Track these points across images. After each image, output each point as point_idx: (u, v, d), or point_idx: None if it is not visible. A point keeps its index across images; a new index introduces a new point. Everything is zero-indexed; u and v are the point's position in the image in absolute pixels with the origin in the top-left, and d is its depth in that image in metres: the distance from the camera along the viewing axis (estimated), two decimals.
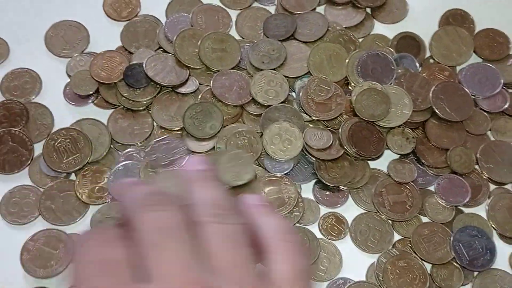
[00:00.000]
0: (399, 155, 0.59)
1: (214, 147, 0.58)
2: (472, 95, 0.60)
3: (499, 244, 0.56)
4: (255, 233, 0.40)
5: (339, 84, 0.61)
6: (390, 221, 0.56)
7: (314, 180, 0.58)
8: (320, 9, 0.67)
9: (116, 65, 0.61)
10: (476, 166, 0.58)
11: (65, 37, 0.64)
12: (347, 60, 0.62)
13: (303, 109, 0.60)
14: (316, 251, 0.55)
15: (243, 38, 0.65)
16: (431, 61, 0.63)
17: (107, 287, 0.35)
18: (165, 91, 0.61)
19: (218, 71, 0.61)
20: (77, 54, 0.63)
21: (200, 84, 0.62)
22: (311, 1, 0.66)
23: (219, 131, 0.59)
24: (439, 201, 0.56)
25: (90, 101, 0.61)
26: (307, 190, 0.58)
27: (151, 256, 0.36)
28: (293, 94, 0.61)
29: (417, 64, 0.62)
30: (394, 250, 0.55)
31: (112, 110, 0.61)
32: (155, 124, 0.60)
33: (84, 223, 0.56)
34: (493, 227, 0.56)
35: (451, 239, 0.54)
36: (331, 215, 0.57)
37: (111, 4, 0.66)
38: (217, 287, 0.35)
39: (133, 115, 0.60)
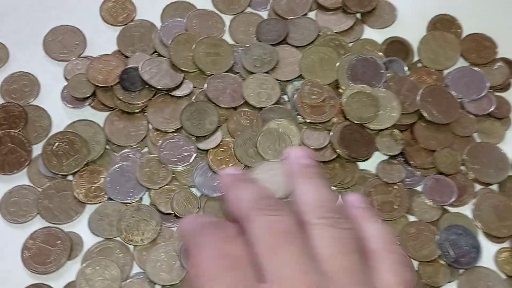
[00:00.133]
0: (387, 156, 0.60)
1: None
2: (458, 98, 0.62)
3: (485, 243, 0.57)
4: (360, 238, 0.41)
5: (330, 87, 0.62)
6: None
7: None
8: (312, 15, 0.68)
9: (112, 69, 0.63)
10: (462, 167, 0.59)
11: (62, 42, 0.66)
12: (337, 64, 0.63)
13: (297, 112, 0.60)
14: None
15: (237, 43, 0.66)
16: (419, 65, 0.65)
17: (232, 282, 0.36)
18: (160, 94, 0.62)
19: (212, 74, 0.62)
20: (74, 58, 0.65)
21: (194, 87, 0.63)
22: (303, 6, 0.68)
23: (219, 124, 0.61)
24: (426, 201, 0.57)
25: (87, 103, 0.63)
26: None
27: (268, 259, 0.37)
28: (285, 97, 0.62)
29: (405, 68, 0.64)
30: None
31: (109, 112, 0.62)
32: (150, 126, 0.61)
33: (81, 222, 0.57)
34: (478, 226, 0.57)
35: (437, 237, 0.56)
36: None
37: (108, 9, 0.68)
38: None
39: (128, 118, 0.62)
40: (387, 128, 0.60)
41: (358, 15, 0.68)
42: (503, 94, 0.64)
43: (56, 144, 0.59)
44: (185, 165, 0.59)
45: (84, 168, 0.59)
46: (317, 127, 0.60)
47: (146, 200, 0.58)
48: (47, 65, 0.65)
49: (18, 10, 0.68)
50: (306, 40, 0.65)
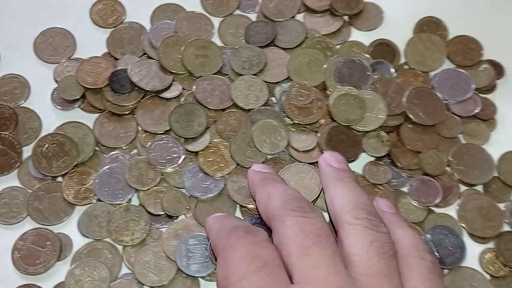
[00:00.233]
0: (374, 158, 0.60)
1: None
2: (444, 99, 0.62)
3: (469, 243, 0.58)
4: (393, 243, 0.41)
5: (317, 89, 0.63)
6: None
7: None
8: (300, 17, 0.68)
9: (102, 71, 0.63)
10: (448, 168, 0.60)
11: (53, 44, 0.66)
12: (325, 66, 0.63)
13: (285, 113, 0.61)
14: None
15: (226, 45, 0.67)
16: (406, 67, 0.66)
17: (263, 282, 0.36)
18: (149, 96, 0.63)
19: (201, 76, 0.63)
20: (64, 60, 0.65)
21: (183, 89, 0.64)
22: (291, 9, 0.68)
23: (207, 126, 0.61)
24: (412, 202, 0.58)
25: (76, 105, 0.63)
26: None
27: (299, 260, 0.37)
28: (273, 98, 0.63)
29: (392, 70, 0.64)
30: None
31: (98, 114, 0.63)
32: (139, 127, 0.62)
33: (71, 223, 0.58)
34: (463, 227, 0.58)
35: (422, 238, 0.56)
36: None
37: (98, 11, 0.68)
38: None
39: (118, 119, 0.62)
40: (373, 130, 0.61)
41: (346, 18, 0.68)
42: (488, 96, 0.64)
43: (46, 145, 0.60)
44: (174, 167, 0.59)
45: (73, 170, 0.60)
46: (305, 128, 0.61)
47: (135, 202, 0.59)
48: (38, 67, 0.66)
49: (8, 13, 0.68)
50: (294, 42, 0.66)
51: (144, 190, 0.59)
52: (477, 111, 0.63)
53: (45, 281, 0.56)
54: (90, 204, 0.59)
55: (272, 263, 0.37)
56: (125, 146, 0.62)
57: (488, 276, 0.57)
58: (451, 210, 0.60)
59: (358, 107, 0.61)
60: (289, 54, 0.65)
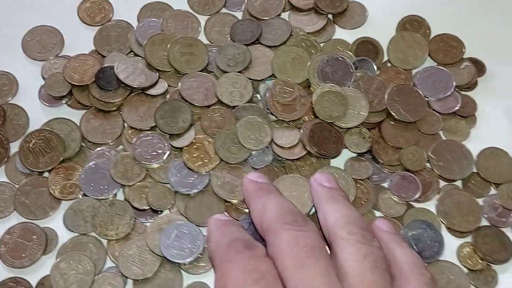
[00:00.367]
0: (356, 154, 0.61)
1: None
2: (425, 97, 0.63)
3: (448, 238, 0.58)
4: (389, 261, 0.41)
5: (301, 86, 0.63)
6: None
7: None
8: (285, 15, 0.69)
9: (89, 68, 0.64)
10: (428, 164, 0.61)
11: (41, 41, 0.67)
12: (308, 64, 0.64)
13: (269, 110, 0.62)
14: None
15: (211, 43, 0.68)
16: (389, 64, 0.67)
17: None
18: (135, 92, 0.64)
19: (186, 73, 0.64)
20: (52, 58, 0.66)
21: (169, 86, 0.65)
22: (276, 7, 0.69)
23: (192, 123, 0.62)
24: (392, 197, 0.59)
25: (63, 102, 0.64)
26: None
27: (294, 273, 0.38)
28: (258, 95, 0.64)
29: (375, 68, 0.65)
30: None
31: (85, 111, 0.63)
32: (125, 124, 0.63)
33: (57, 218, 0.59)
34: (442, 221, 0.59)
35: (401, 231, 0.57)
36: None
37: (85, 9, 0.69)
38: None
39: (104, 116, 0.63)
40: (355, 126, 0.62)
41: (330, 16, 0.69)
42: (469, 93, 0.65)
43: (33, 141, 0.61)
44: (159, 162, 0.60)
45: (60, 165, 0.61)
46: (288, 125, 0.62)
47: (120, 197, 0.60)
48: (26, 64, 0.67)
49: None
50: (279, 40, 0.67)
51: (129, 185, 0.60)
52: (458, 108, 0.63)
53: (30, 274, 0.57)
54: (76, 199, 0.59)
55: (269, 276, 0.38)
56: (111, 142, 0.62)
57: (465, 270, 0.57)
58: (431, 205, 0.60)
59: (340, 104, 0.61)
60: (274, 52, 0.66)
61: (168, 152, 0.61)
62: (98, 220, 0.58)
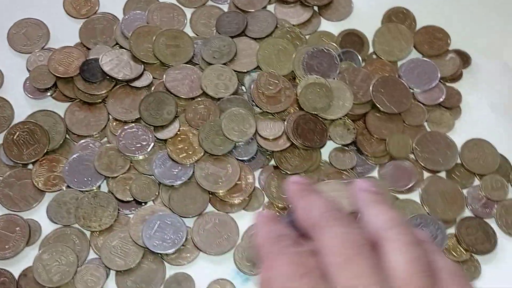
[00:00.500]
0: (341, 145, 0.61)
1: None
2: (410, 88, 0.63)
3: None
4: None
5: (286, 78, 0.63)
6: None
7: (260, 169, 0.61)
8: (271, 8, 0.69)
9: (73, 60, 0.64)
10: (412, 156, 0.61)
11: (26, 34, 0.67)
12: (293, 55, 0.64)
13: (254, 102, 0.62)
14: None
15: (197, 35, 0.68)
16: (374, 56, 0.66)
17: (306, 285, 0.37)
18: (120, 85, 0.64)
19: (172, 66, 0.64)
20: (37, 50, 0.66)
21: (154, 78, 0.65)
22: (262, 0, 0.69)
23: (177, 115, 0.62)
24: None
25: (48, 94, 0.64)
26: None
27: (340, 270, 0.37)
28: (243, 88, 0.64)
29: (360, 59, 0.65)
30: None
31: (69, 103, 0.63)
32: (110, 116, 0.63)
33: (40, 209, 0.59)
34: (426, 210, 0.59)
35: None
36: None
37: (71, 2, 0.69)
38: None
39: (89, 108, 0.63)
40: (340, 118, 0.61)
41: (316, 8, 0.69)
42: (454, 85, 0.65)
43: (17, 133, 0.61)
44: (143, 154, 0.60)
45: (44, 157, 0.60)
46: (273, 117, 0.62)
47: (104, 189, 0.60)
48: (11, 57, 0.67)
49: None
50: (264, 32, 0.67)
51: (113, 177, 0.60)
52: (442, 99, 0.63)
53: (13, 266, 0.57)
54: (60, 191, 0.59)
55: (316, 272, 0.38)
56: (96, 134, 0.62)
57: None
58: (415, 196, 0.60)
59: (325, 96, 0.61)
60: (259, 44, 0.66)
61: (152, 144, 0.61)
62: (82, 211, 0.58)
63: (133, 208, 0.59)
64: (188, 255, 0.57)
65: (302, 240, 0.42)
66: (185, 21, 0.69)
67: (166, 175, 0.59)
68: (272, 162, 0.62)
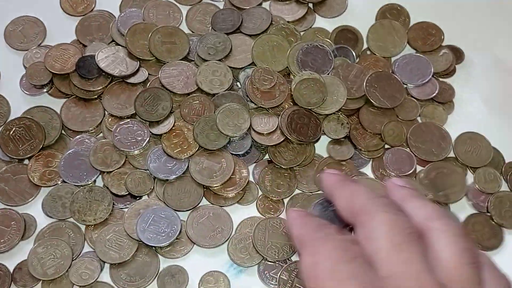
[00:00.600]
0: (334, 140, 0.62)
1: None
2: (403, 83, 0.63)
3: None
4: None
5: (281, 73, 0.64)
6: None
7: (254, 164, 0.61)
8: (266, 5, 0.70)
9: (70, 57, 0.65)
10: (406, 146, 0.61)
11: (23, 32, 0.68)
12: (288, 51, 0.65)
13: (249, 98, 0.62)
14: None
15: (193, 32, 0.68)
16: (368, 52, 0.67)
17: (354, 271, 0.37)
18: (116, 81, 0.64)
19: (167, 62, 0.64)
20: (34, 47, 0.67)
21: (150, 74, 0.65)
22: None
23: (172, 110, 0.62)
24: (390, 173, 0.60)
25: (44, 90, 0.64)
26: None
27: (390, 255, 0.38)
28: (238, 84, 0.64)
29: (354, 55, 0.66)
30: None
31: (65, 99, 0.64)
32: (106, 112, 0.63)
33: (35, 204, 0.60)
34: (427, 195, 0.60)
35: None
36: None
37: (68, 0, 0.70)
38: None
39: (85, 104, 0.64)
40: (333, 113, 0.62)
41: (310, 5, 0.70)
42: (447, 80, 0.65)
43: (13, 129, 0.61)
44: (139, 149, 0.60)
45: (39, 153, 0.61)
46: (267, 112, 0.62)
47: (99, 184, 0.60)
48: (8, 54, 0.67)
49: None
50: (259, 29, 0.67)
51: (108, 172, 0.60)
52: (435, 94, 0.64)
53: (8, 260, 0.57)
54: (55, 186, 0.60)
55: (362, 257, 0.38)
56: (92, 129, 0.62)
57: None
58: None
59: (319, 91, 0.62)
60: (254, 40, 0.66)
61: (147, 139, 0.61)
62: (77, 206, 0.58)
63: (127, 202, 0.59)
64: (182, 248, 0.57)
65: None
66: (181, 18, 0.69)
67: (161, 170, 0.60)
68: (266, 157, 0.62)
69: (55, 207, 0.59)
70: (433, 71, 0.64)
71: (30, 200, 0.59)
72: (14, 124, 0.61)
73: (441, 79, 0.65)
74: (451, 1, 0.70)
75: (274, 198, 0.60)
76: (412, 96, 0.64)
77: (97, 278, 0.56)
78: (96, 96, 0.64)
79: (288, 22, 0.68)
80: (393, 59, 0.66)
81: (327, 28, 0.68)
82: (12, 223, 0.58)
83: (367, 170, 0.62)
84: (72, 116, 0.63)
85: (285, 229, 0.55)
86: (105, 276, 0.56)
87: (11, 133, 0.61)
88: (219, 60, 0.65)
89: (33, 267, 0.55)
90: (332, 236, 0.40)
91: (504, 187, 0.60)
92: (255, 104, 0.63)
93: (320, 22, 0.69)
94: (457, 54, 0.66)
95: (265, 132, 0.61)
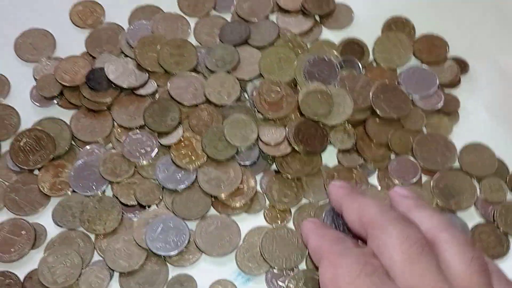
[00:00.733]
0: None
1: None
2: (409, 94, 0.64)
3: None
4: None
5: (288, 85, 0.65)
6: None
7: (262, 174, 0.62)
8: (273, 17, 0.71)
9: (79, 69, 0.65)
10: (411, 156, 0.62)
11: (33, 44, 0.69)
12: (295, 63, 0.65)
13: (256, 109, 0.63)
14: None
15: (201, 44, 0.69)
16: (374, 64, 0.68)
17: (376, 285, 0.38)
18: (125, 92, 0.65)
19: (176, 74, 0.65)
20: (44, 59, 0.67)
21: (158, 86, 0.66)
22: (264, 9, 0.71)
23: (180, 121, 0.63)
24: (394, 181, 0.61)
25: (54, 102, 0.65)
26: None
27: (404, 267, 0.38)
28: (245, 95, 0.65)
29: (361, 67, 0.66)
30: None
31: (75, 110, 0.65)
32: (115, 123, 0.64)
33: (46, 214, 0.60)
34: (438, 203, 0.60)
35: None
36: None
37: (77, 12, 0.71)
38: None
39: (94, 115, 0.64)
40: (340, 124, 0.62)
41: (317, 17, 0.70)
42: (453, 91, 0.66)
43: (24, 140, 0.62)
44: (147, 159, 0.61)
45: (49, 163, 0.61)
46: (275, 123, 0.63)
47: (109, 193, 0.61)
48: (18, 66, 0.68)
49: None
50: (266, 41, 0.68)
51: (117, 182, 0.61)
52: (441, 105, 0.64)
53: (18, 268, 0.58)
54: (65, 196, 0.60)
55: (381, 270, 0.38)
56: (101, 140, 0.63)
57: None
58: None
59: (325, 103, 0.62)
60: (261, 53, 0.67)
61: (156, 150, 0.62)
62: (86, 215, 0.59)
63: (137, 212, 0.60)
64: (191, 256, 0.57)
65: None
66: (189, 31, 0.70)
67: (169, 180, 0.60)
68: (274, 167, 0.62)
69: (65, 216, 0.59)
70: (438, 82, 0.64)
71: (40, 209, 0.60)
72: (24, 135, 0.62)
73: (446, 90, 0.65)
74: (455, 13, 0.71)
75: (281, 208, 0.60)
76: (417, 107, 0.64)
77: (106, 287, 0.56)
78: (105, 108, 0.64)
79: (295, 34, 0.69)
80: (398, 70, 0.66)
81: (334, 40, 0.69)
82: (23, 232, 0.58)
83: (373, 179, 0.62)
84: (82, 127, 0.63)
85: (300, 239, 0.55)
86: (115, 285, 0.57)
87: (21, 144, 0.62)
88: (227, 72, 0.65)
89: (43, 276, 0.56)
90: (352, 249, 0.40)
91: (510, 196, 0.60)
92: (263, 115, 0.63)
93: (327, 34, 0.70)
94: (462, 65, 0.67)
95: (272, 143, 0.61)
